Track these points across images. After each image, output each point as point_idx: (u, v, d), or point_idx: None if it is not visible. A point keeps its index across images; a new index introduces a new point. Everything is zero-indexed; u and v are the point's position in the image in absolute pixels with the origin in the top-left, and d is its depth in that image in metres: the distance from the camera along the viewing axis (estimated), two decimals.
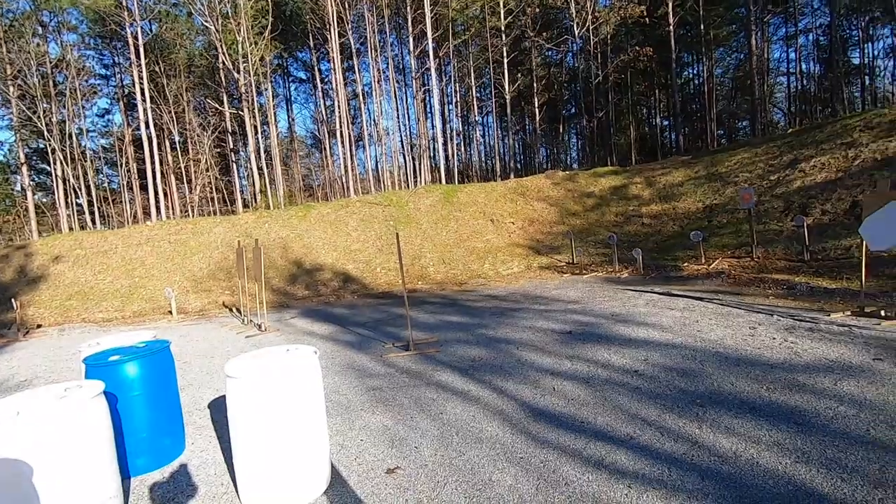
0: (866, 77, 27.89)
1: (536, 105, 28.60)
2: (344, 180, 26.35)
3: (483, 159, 39.24)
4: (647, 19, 24.74)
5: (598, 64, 27.96)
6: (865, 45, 27.09)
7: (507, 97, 27.23)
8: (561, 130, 36.13)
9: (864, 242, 5.93)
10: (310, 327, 8.38)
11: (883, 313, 5.72)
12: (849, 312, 6.03)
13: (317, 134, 33.83)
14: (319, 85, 30.06)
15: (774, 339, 5.26)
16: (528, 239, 15.29)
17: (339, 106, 24.24)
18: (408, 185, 26.80)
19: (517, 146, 40.02)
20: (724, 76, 33.23)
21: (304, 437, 2.91)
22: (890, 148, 11.09)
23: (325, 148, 30.82)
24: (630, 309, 7.36)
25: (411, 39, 25.29)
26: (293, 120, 34.28)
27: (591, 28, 26.23)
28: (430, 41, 23.53)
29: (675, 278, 9.97)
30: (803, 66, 30.36)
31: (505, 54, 26.59)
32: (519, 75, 29.70)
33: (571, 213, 16.58)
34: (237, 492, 3.03)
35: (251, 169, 25.40)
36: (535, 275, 12.18)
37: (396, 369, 5.44)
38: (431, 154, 32.85)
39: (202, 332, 8.84)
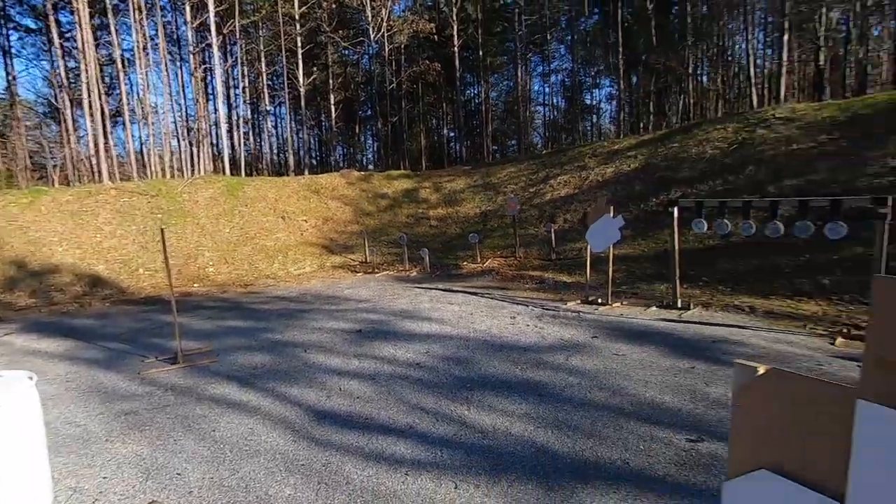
0: (594, 115, 35.65)
1: (332, 102, 28.23)
2: (94, 162, 21.54)
3: (275, 152, 36.94)
4: (435, 37, 26.79)
5: (393, 70, 29.12)
6: (594, 91, 34.59)
7: (302, 90, 26.18)
8: (357, 130, 36.46)
9: (589, 246, 7.52)
10: (35, 345, 6.60)
11: (599, 301, 7.36)
12: (578, 301, 7.58)
13: (53, 101, 26.86)
14: (57, 40, 23.89)
15: (528, 325, 6.27)
16: (322, 238, 14.99)
17: (86, 70, 19.70)
18: (183, 174, 23.42)
19: (313, 142, 38.88)
20: (498, 99, 38.32)
21: (8, 490, 2.26)
22: (608, 172, 14.35)
23: (64, 120, 24.65)
24: (416, 305, 7.85)
25: (188, 8, 22.18)
26: (14, 79, 26.45)
27: (386, 35, 27.12)
28: (211, 14, 21.02)
29: (457, 275, 11.03)
30: (554, 100, 37.12)
31: (299, 44, 25.50)
32: (315, 69, 28.85)
33: (366, 212, 16.86)
34: None
35: None
36: (328, 274, 12.00)
37: (158, 387, 4.68)
38: (214, 141, 29.43)
39: None
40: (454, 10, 28.06)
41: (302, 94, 26.45)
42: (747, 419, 0.73)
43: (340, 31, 27.90)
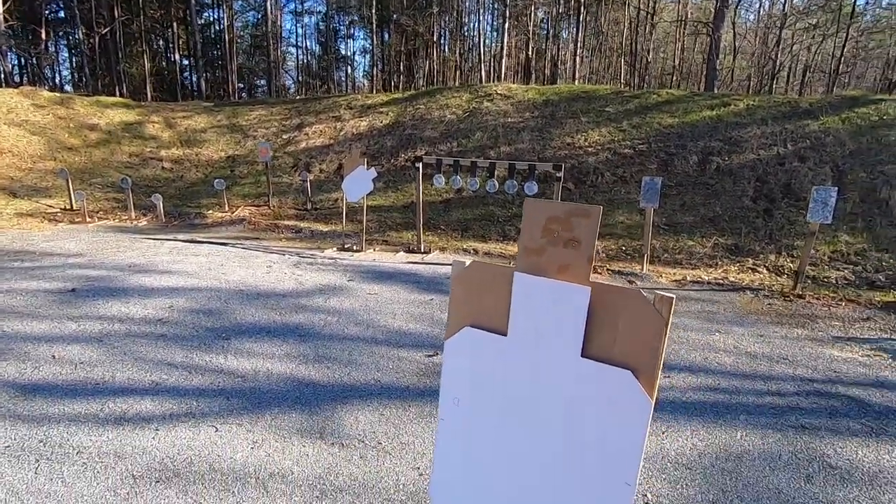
0: (349, 66, 35.57)
1: None
2: None
3: None
4: None
5: None
6: (349, 41, 34.36)
7: None
8: (46, 37, 27.58)
9: (344, 196, 7.82)
10: None
11: (355, 248, 7.82)
12: (335, 249, 7.88)
13: None
14: None
15: (286, 273, 6.26)
16: None
17: None
18: None
19: None
20: (244, 31, 34.26)
21: None
22: (362, 126, 14.80)
23: None
24: (151, 258, 6.85)
25: None
26: None
27: None
28: None
29: (200, 226, 9.94)
30: (308, 44, 35.39)
31: None
32: None
33: (67, 147, 13.30)
34: None
35: None
36: (10, 224, 9.20)
37: None
38: None
39: None
40: None
41: None
42: (458, 295, 1.08)
43: None
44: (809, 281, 6.25)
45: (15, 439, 2.64)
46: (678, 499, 2.36)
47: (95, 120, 14.77)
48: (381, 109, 15.13)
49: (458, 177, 7.33)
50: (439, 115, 13.84)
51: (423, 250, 7.76)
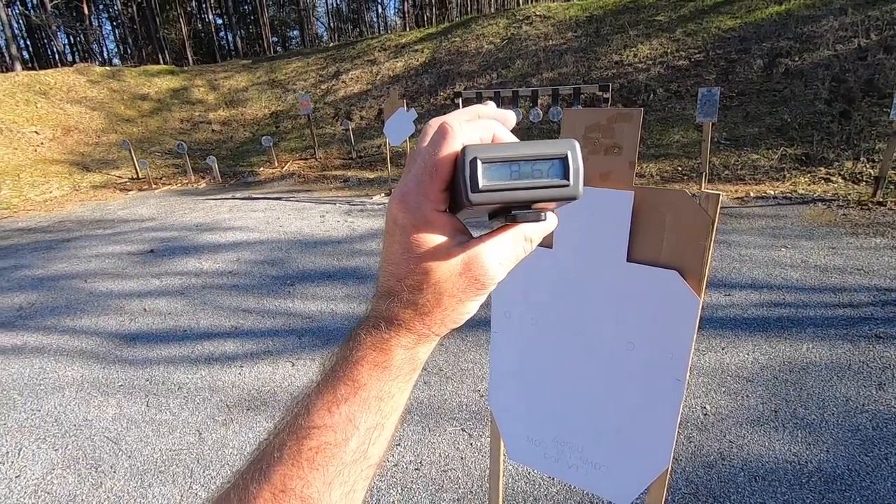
0: (379, 5, 34.26)
1: None
2: None
3: None
4: None
5: None
6: None
7: None
8: (87, 12, 28.32)
9: (387, 141, 7.82)
10: None
11: None
12: (383, 194, 8.00)
13: None
14: None
15: (338, 221, 6.47)
16: (68, 153, 12.08)
17: None
18: None
19: (18, 27, 29.03)
20: None
21: None
22: (398, 67, 14.45)
23: None
24: (215, 217, 7.27)
25: None
26: None
27: None
28: None
29: (254, 183, 10.34)
30: None
31: None
32: None
33: (124, 119, 13.97)
34: None
35: None
36: (87, 196, 9.97)
37: None
38: None
39: None
40: None
41: None
42: None
43: None
44: (893, 187, 5.72)
45: (126, 380, 3.03)
46: (738, 409, 2.39)
47: (146, 90, 15.32)
48: (416, 47, 14.65)
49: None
50: (476, 47, 13.24)
51: None
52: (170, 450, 2.36)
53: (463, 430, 2.36)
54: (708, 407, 2.41)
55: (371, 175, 9.68)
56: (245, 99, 15.45)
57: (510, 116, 0.34)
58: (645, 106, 9.62)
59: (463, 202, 0.29)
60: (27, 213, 8.86)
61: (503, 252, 0.33)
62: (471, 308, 0.34)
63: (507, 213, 0.31)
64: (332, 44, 22.57)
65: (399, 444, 2.28)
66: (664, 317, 0.95)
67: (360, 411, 0.32)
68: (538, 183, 0.29)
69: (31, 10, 27.68)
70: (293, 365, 3.05)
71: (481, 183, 0.28)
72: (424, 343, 0.34)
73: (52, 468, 2.30)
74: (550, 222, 0.34)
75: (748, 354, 2.81)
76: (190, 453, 2.33)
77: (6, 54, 21.97)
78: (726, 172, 7.11)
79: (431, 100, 12.44)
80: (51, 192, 10.23)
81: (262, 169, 11.28)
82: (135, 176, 11.25)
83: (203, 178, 10.96)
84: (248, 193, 9.10)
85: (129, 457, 2.34)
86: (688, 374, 0.96)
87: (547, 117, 6.79)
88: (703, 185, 6.44)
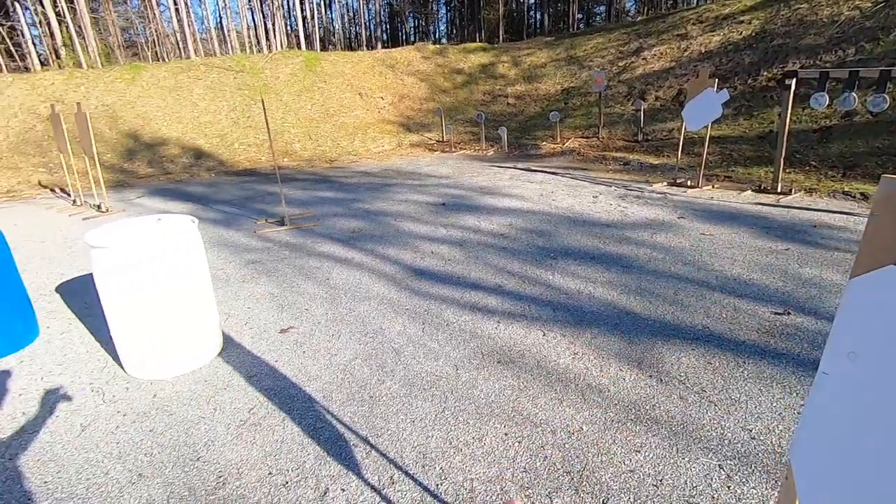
0: None
1: None
2: (179, 38, 22.05)
3: (347, 26, 35.63)
4: None
5: None
6: None
7: None
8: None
9: (683, 125, 7.02)
10: (164, 206, 7.58)
11: (689, 183, 7.06)
12: (666, 183, 7.31)
13: None
14: None
15: (611, 204, 6.24)
16: (399, 115, 14.97)
17: None
18: (259, 49, 23.50)
19: (383, 14, 36.88)
20: None
21: (188, 304, 2.86)
22: (713, 41, 12.67)
23: None
24: (496, 183, 7.96)
25: None
26: None
27: None
28: None
29: (535, 156, 10.84)
30: None
31: None
32: None
33: (441, 89, 16.40)
34: (121, 364, 2.95)
35: (45, 14, 19.75)
36: (406, 152, 12.22)
37: (274, 243, 5.35)
38: (286, 13, 28.76)
39: (22, 216, 7.47)
40: None
41: None
42: (881, 223, 0.83)
43: None
44: None
45: (411, 306, 3.65)
46: None
47: (461, 65, 17.55)
48: (742, 18, 12.50)
49: (853, 94, 5.50)
50: (830, 13, 10.46)
51: (779, 190, 6.35)
52: (432, 374, 2.76)
53: (721, 467, 2.02)
54: None
55: (655, 161, 8.94)
56: (542, 75, 16.10)
57: None
58: None
59: None
60: (367, 161, 11.42)
61: None
62: None
63: None
64: (639, 18, 21.25)
65: (640, 451, 2.12)
66: None
67: None
68: None
69: (393, 1, 34.72)
70: (544, 335, 3.14)
71: None
72: None
73: (355, 357, 2.99)
74: None
75: None
76: (447, 382, 2.68)
77: (373, 37, 28.29)
78: None
79: (749, 80, 10.53)
80: (384, 146, 12.90)
81: (544, 143, 11.70)
82: (441, 139, 13.18)
83: (492, 146, 12.05)
84: (528, 165, 9.60)
85: (405, 367, 2.84)
86: None
87: None
88: None
